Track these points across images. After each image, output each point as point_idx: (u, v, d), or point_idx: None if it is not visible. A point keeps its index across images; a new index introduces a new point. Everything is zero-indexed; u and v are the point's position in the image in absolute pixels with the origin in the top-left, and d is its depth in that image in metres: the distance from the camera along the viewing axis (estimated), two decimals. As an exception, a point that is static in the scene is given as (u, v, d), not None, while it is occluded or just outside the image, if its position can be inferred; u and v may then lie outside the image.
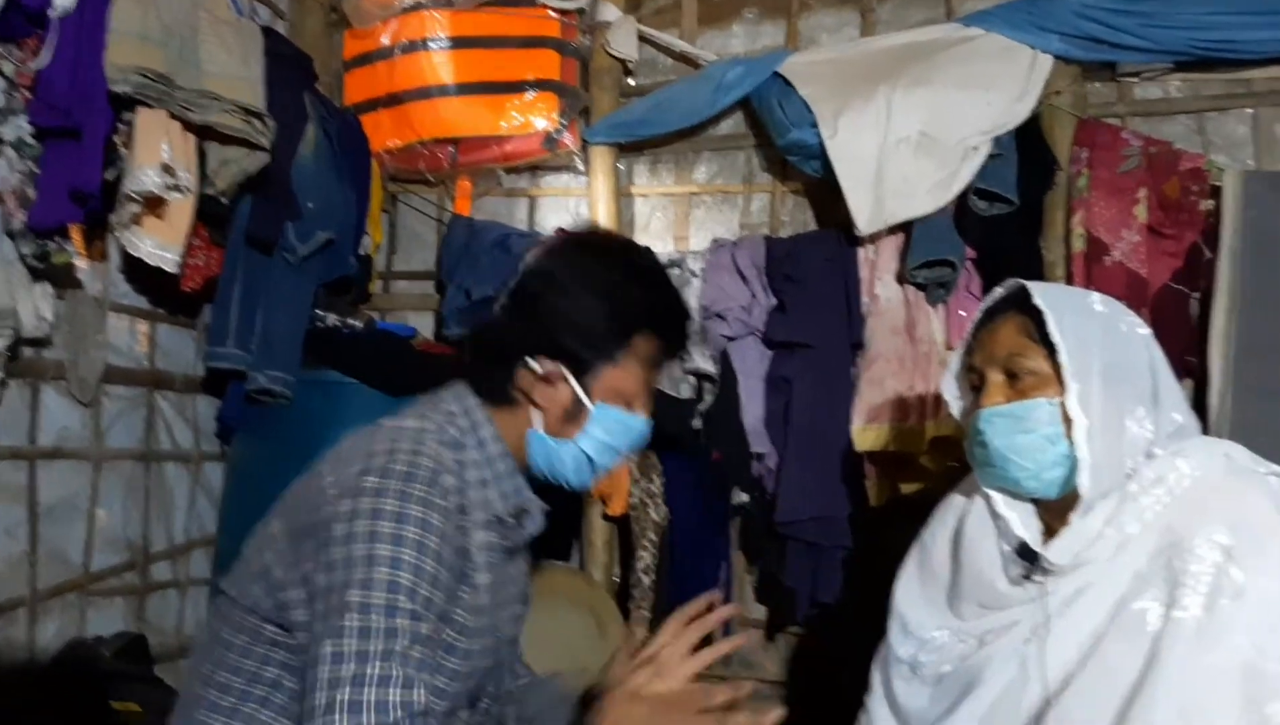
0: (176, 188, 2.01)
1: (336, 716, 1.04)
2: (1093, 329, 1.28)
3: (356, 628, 1.07)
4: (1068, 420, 1.26)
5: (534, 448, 1.32)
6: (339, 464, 1.20)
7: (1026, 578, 1.32)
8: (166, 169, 1.96)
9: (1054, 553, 1.28)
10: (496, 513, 1.29)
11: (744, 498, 2.65)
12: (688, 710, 1.20)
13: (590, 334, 1.28)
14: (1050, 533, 1.34)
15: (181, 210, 2.07)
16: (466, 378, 1.35)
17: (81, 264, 2.15)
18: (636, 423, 1.35)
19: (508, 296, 1.36)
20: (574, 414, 1.30)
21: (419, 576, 1.12)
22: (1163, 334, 1.37)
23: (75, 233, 2.09)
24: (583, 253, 1.36)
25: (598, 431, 1.31)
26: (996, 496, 1.35)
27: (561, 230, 2.56)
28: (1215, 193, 2.35)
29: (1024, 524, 1.33)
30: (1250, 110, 2.49)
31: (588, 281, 1.30)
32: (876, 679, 1.50)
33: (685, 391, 2.60)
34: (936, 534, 1.51)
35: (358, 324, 2.59)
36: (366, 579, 1.09)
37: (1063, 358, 1.25)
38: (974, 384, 1.37)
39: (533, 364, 1.29)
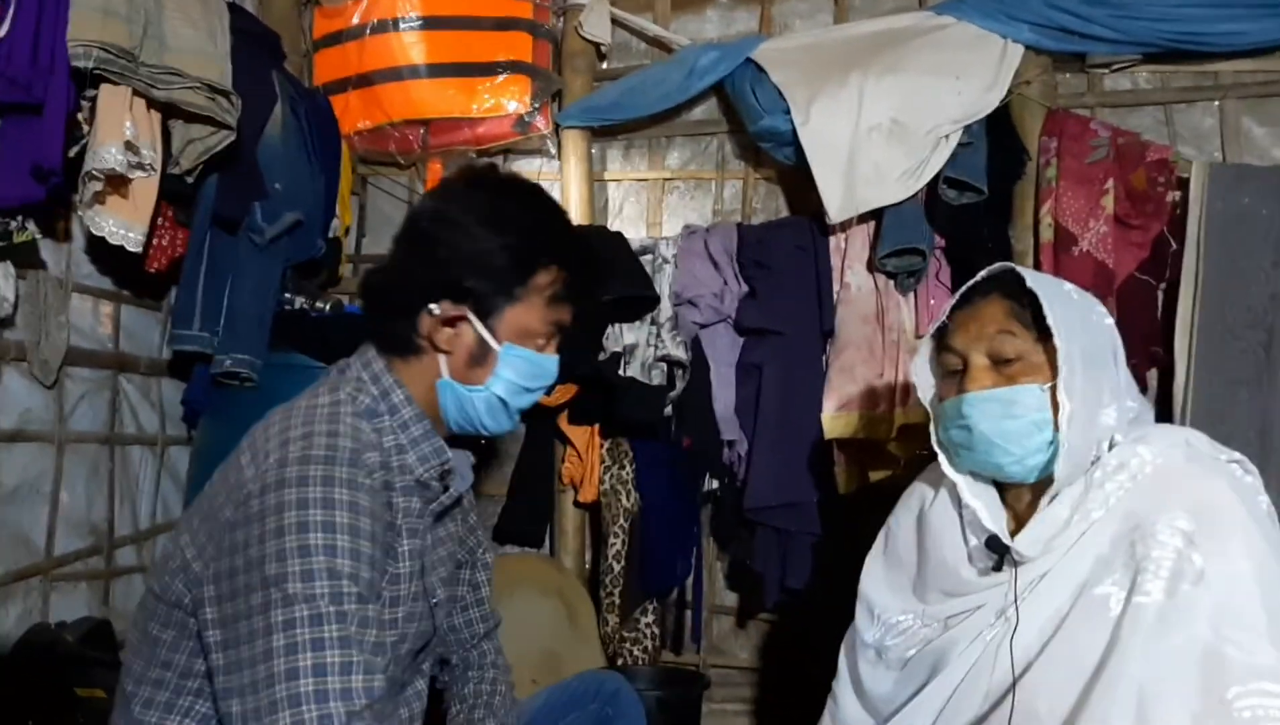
0: (140, 166, 1.98)
1: (305, 708, 1.02)
2: (1074, 316, 1.29)
3: (307, 616, 1.05)
4: (1055, 406, 1.27)
5: (445, 396, 1.29)
6: (256, 454, 1.17)
7: (994, 568, 1.33)
8: (130, 146, 1.92)
9: (1024, 544, 1.29)
10: (418, 477, 1.27)
11: (715, 485, 2.66)
12: None
13: (490, 271, 1.24)
14: (1016, 518, 1.35)
15: (145, 189, 2.03)
16: (370, 336, 1.31)
17: (44, 244, 2.12)
18: (547, 362, 1.32)
19: (400, 241, 1.31)
20: (481, 357, 1.27)
21: (358, 560, 1.10)
22: (1129, 324, 1.39)
23: (37, 212, 2.05)
24: (474, 189, 1.31)
25: (507, 373, 1.28)
26: (962, 483, 1.36)
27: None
28: (1182, 184, 2.38)
29: (991, 514, 1.34)
30: (1217, 102, 2.52)
31: (482, 217, 1.25)
32: (843, 664, 1.51)
33: (657, 378, 2.60)
34: (902, 521, 1.53)
35: (325, 307, 2.56)
36: (306, 570, 1.07)
37: (1059, 343, 1.26)
38: (952, 367, 1.36)
39: (434, 308, 1.25)
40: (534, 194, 1.35)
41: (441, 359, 1.27)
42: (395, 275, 1.30)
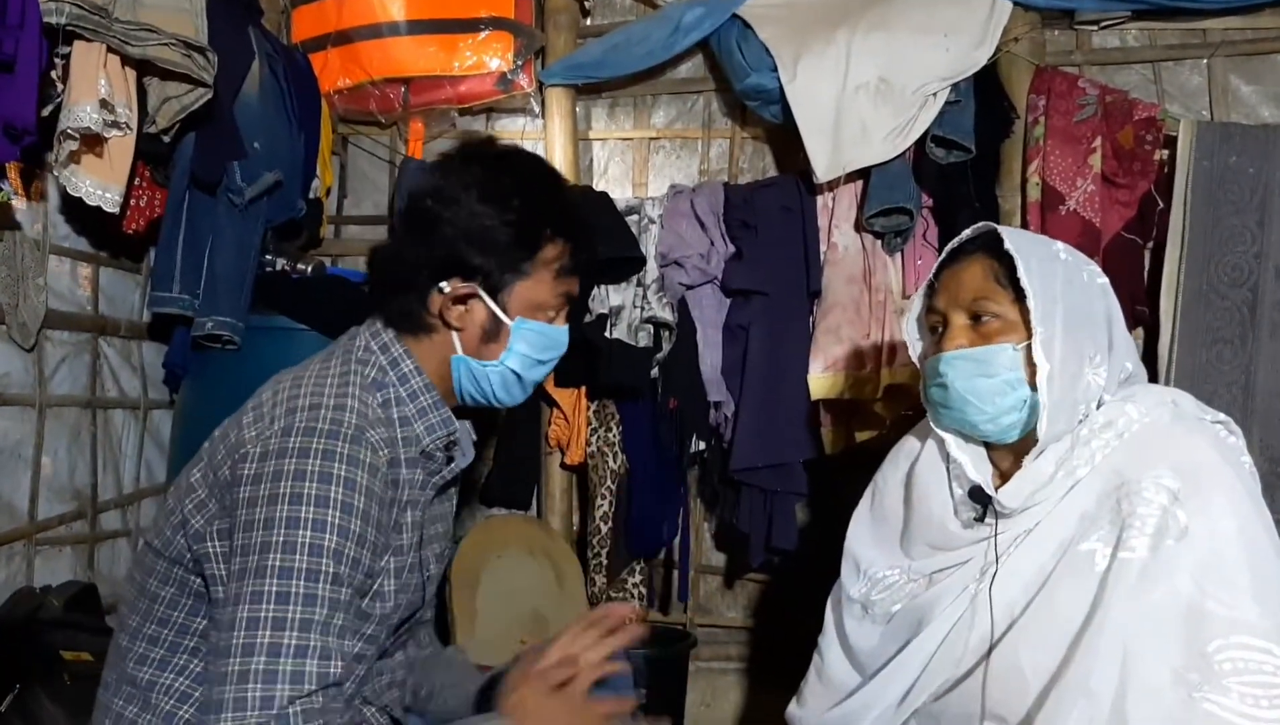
0: (116, 125, 1.94)
1: (250, 685, 1.02)
2: (1057, 276, 1.29)
3: (275, 592, 1.05)
4: (1030, 366, 1.27)
5: (459, 372, 1.29)
6: (261, 417, 1.17)
7: (978, 520, 1.34)
8: (105, 105, 1.88)
9: (1006, 496, 1.30)
10: (424, 448, 1.27)
11: (701, 446, 2.66)
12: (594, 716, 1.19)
13: (498, 247, 1.25)
14: (1001, 475, 1.36)
15: (122, 149, 2.00)
16: (377, 311, 1.31)
17: (19, 204, 2.08)
18: (558, 334, 1.33)
19: (402, 220, 1.31)
20: (494, 332, 1.28)
21: (345, 538, 1.10)
22: (1115, 283, 1.39)
23: (12, 172, 2.01)
24: (473, 165, 1.30)
25: (521, 347, 1.29)
26: (950, 439, 1.37)
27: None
28: (1169, 143, 2.37)
29: (976, 468, 1.35)
30: (1205, 61, 2.51)
31: (484, 194, 1.25)
32: (829, 619, 1.53)
33: (643, 340, 2.59)
34: (889, 477, 1.53)
35: (307, 269, 2.53)
36: (289, 542, 1.06)
37: (1031, 303, 1.26)
38: (935, 326, 1.38)
39: (444, 286, 1.25)
40: (532, 166, 1.35)
41: (454, 336, 1.28)
42: (402, 255, 1.30)
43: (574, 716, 1.18)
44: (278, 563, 1.06)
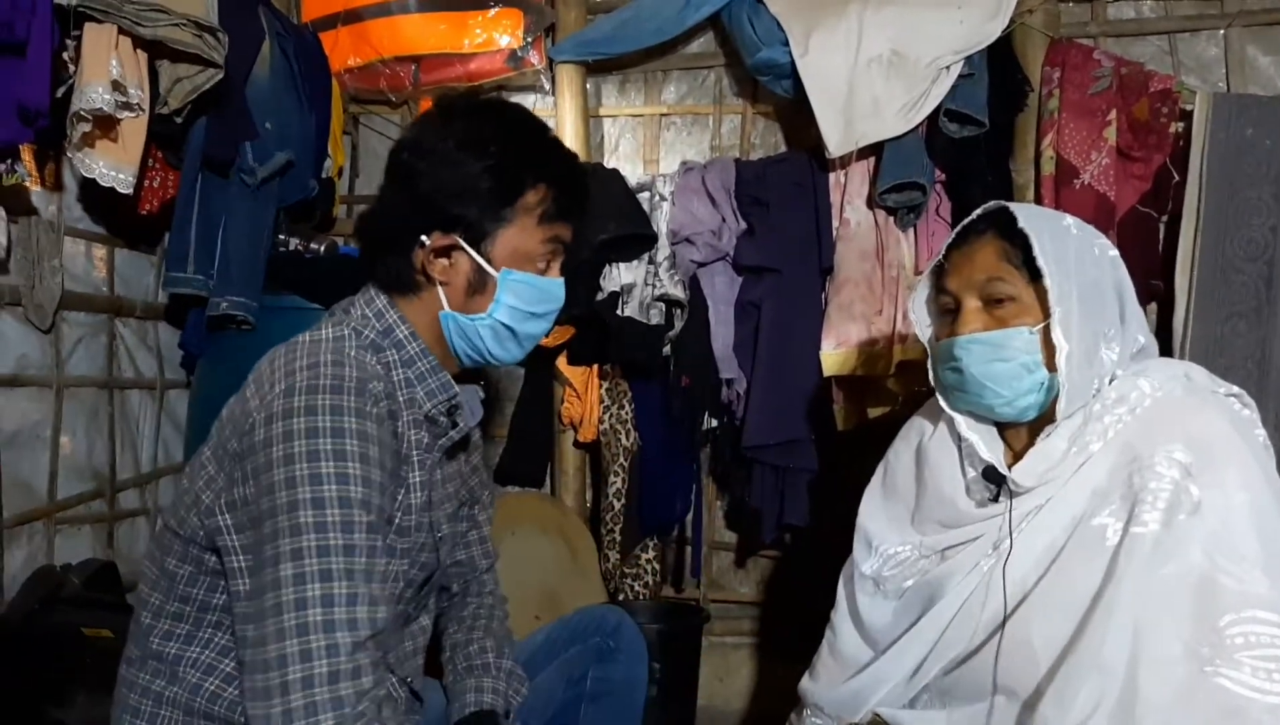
0: (128, 106, 1.95)
1: (312, 637, 1.04)
2: (1070, 253, 1.28)
3: (315, 547, 1.06)
4: (1046, 346, 1.26)
5: (450, 329, 1.28)
6: (261, 387, 1.16)
7: (992, 499, 1.34)
8: (116, 86, 1.89)
9: (1021, 474, 1.29)
10: (426, 413, 1.27)
11: (713, 423, 2.66)
12: None
13: (476, 195, 1.22)
14: (1012, 451, 1.36)
15: (134, 130, 2.01)
16: (369, 276, 1.30)
17: (34, 187, 2.10)
18: (550, 285, 1.30)
19: (385, 177, 1.29)
20: (479, 284, 1.26)
21: (369, 487, 1.11)
22: (1129, 257, 1.37)
23: (26, 154, 2.02)
24: (451, 116, 1.28)
25: (509, 298, 1.26)
26: (960, 420, 1.36)
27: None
28: (1185, 115, 2.34)
29: (989, 447, 1.35)
30: (1222, 31, 2.48)
31: (461, 142, 1.23)
32: (842, 595, 1.53)
33: (655, 318, 2.59)
34: (900, 453, 1.53)
35: (320, 248, 2.54)
36: (318, 498, 1.07)
37: (1049, 284, 1.25)
38: (946, 307, 1.36)
39: (425, 240, 1.23)
40: (512, 113, 1.32)
41: (440, 291, 1.26)
42: (384, 212, 1.29)
43: None
44: (310, 518, 1.07)
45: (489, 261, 1.25)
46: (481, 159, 1.22)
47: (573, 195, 1.30)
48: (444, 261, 1.25)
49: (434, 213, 1.23)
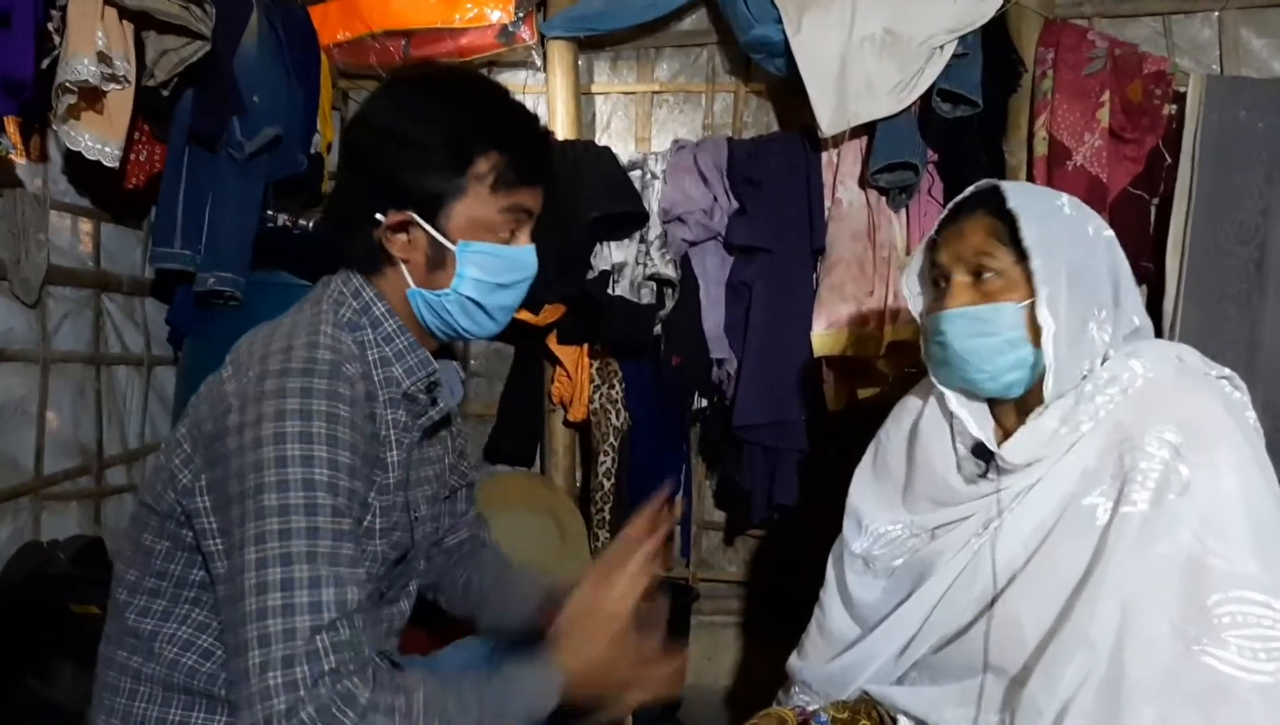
0: (114, 78, 1.92)
1: (270, 621, 1.03)
2: (1061, 232, 1.28)
3: (277, 530, 1.05)
4: (1032, 324, 1.27)
5: (419, 305, 1.26)
6: (239, 368, 1.15)
7: (982, 476, 1.34)
8: (102, 57, 1.87)
9: (1010, 452, 1.30)
10: (405, 390, 1.26)
11: (704, 403, 2.66)
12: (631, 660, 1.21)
13: (425, 168, 1.19)
14: (1003, 430, 1.36)
15: (121, 102, 1.98)
16: (340, 256, 1.28)
17: (19, 160, 2.08)
18: (515, 253, 1.27)
19: (339, 156, 1.28)
20: (438, 259, 1.23)
21: (335, 470, 1.09)
22: (1121, 239, 1.37)
23: (11, 126, 2.00)
24: (398, 88, 1.26)
25: (471, 271, 1.23)
26: (951, 395, 1.37)
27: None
28: (1178, 97, 2.34)
29: (978, 424, 1.35)
30: (1216, 13, 2.48)
31: (409, 114, 1.21)
32: (831, 574, 1.54)
33: (646, 297, 2.58)
34: (892, 433, 1.54)
35: (308, 225, 2.52)
36: (282, 481, 1.06)
37: (1034, 263, 1.25)
38: (937, 282, 1.37)
39: (379, 217, 1.21)
40: (461, 81, 1.29)
41: (403, 268, 1.24)
42: (341, 192, 1.28)
43: (613, 663, 1.19)
44: (274, 502, 1.06)
45: (445, 235, 1.22)
46: (428, 131, 1.20)
47: (529, 160, 1.25)
48: (402, 237, 1.23)
49: (386, 189, 1.20)
